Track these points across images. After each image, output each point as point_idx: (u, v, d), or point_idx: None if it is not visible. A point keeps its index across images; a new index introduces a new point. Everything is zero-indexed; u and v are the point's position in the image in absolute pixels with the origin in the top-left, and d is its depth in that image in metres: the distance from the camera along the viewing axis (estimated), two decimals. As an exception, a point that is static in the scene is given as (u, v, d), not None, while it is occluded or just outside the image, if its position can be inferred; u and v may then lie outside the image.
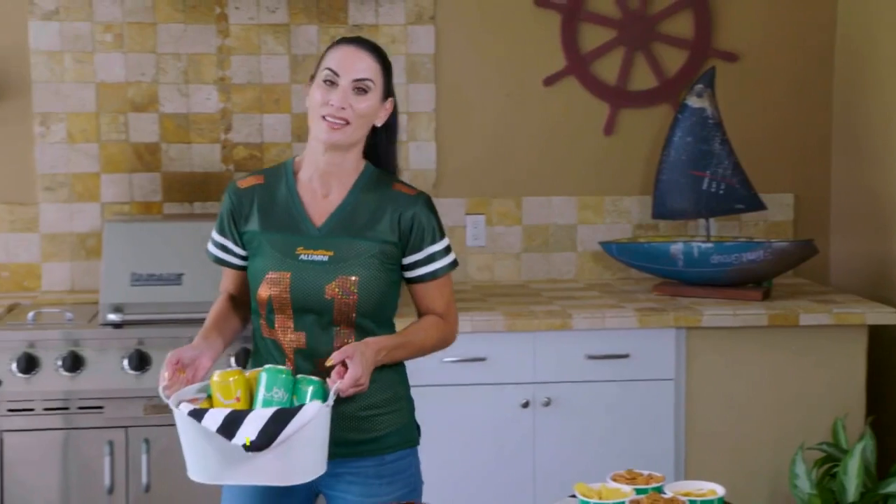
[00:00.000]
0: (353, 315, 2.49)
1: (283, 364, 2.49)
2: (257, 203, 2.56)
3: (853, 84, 4.38)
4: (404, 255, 2.55)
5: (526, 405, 3.71)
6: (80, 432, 3.55)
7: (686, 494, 2.09)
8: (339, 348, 2.44)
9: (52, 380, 3.54)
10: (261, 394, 2.20)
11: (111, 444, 3.54)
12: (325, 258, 2.49)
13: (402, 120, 4.25)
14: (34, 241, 4.20)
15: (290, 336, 2.51)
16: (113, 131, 4.21)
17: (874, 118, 4.23)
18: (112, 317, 3.66)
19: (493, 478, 3.71)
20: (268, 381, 2.21)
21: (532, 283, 4.37)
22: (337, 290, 2.48)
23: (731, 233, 4.43)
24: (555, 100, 4.39)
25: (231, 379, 2.21)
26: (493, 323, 3.69)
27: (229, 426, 2.10)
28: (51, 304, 3.98)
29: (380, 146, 2.62)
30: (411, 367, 3.63)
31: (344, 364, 2.33)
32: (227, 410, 2.11)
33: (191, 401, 2.19)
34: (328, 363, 2.33)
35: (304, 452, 2.15)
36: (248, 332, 2.68)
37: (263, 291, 2.50)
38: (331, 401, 2.22)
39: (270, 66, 4.26)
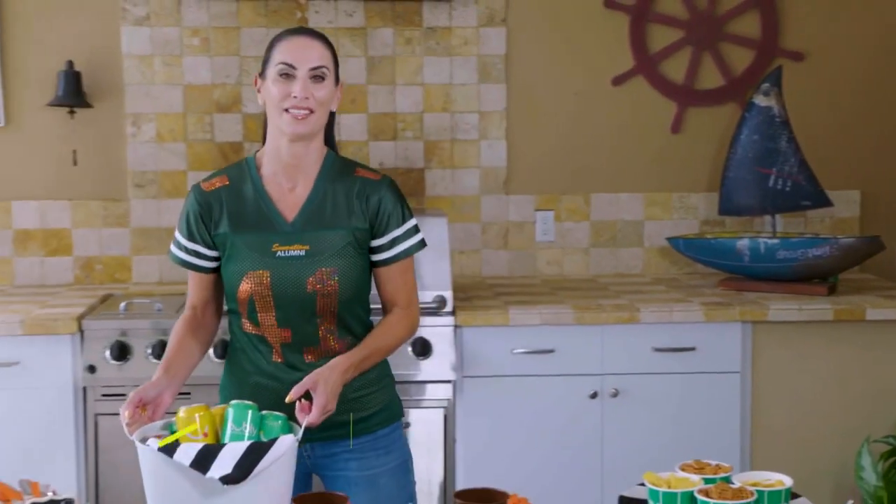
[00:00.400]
0: (335, 303, 2.45)
1: (272, 358, 2.48)
2: (225, 204, 2.48)
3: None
4: (372, 239, 2.50)
5: (594, 396, 3.66)
6: (169, 416, 3.54)
7: (754, 485, 2.05)
8: (323, 337, 2.45)
9: (143, 366, 3.54)
10: (229, 428, 2.15)
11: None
12: (303, 252, 2.44)
13: (472, 118, 4.29)
14: (125, 235, 4.24)
15: (275, 331, 2.47)
16: (199, 131, 4.22)
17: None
18: (198, 307, 3.65)
19: (562, 466, 3.67)
20: (235, 417, 2.16)
21: (600, 278, 4.32)
22: (317, 282, 2.43)
23: (796, 229, 4.35)
24: (623, 99, 4.34)
25: (197, 415, 2.15)
26: (562, 316, 3.65)
27: (203, 460, 2.04)
28: (141, 295, 4.03)
29: (327, 129, 2.55)
30: (481, 356, 3.61)
31: (307, 395, 2.27)
32: (199, 445, 2.07)
33: (156, 437, 2.14)
34: (288, 400, 2.26)
35: (277, 482, 2.11)
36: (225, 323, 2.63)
37: (243, 292, 2.44)
38: (300, 435, 2.17)
39: (347, 67, 4.21)
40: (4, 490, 2.04)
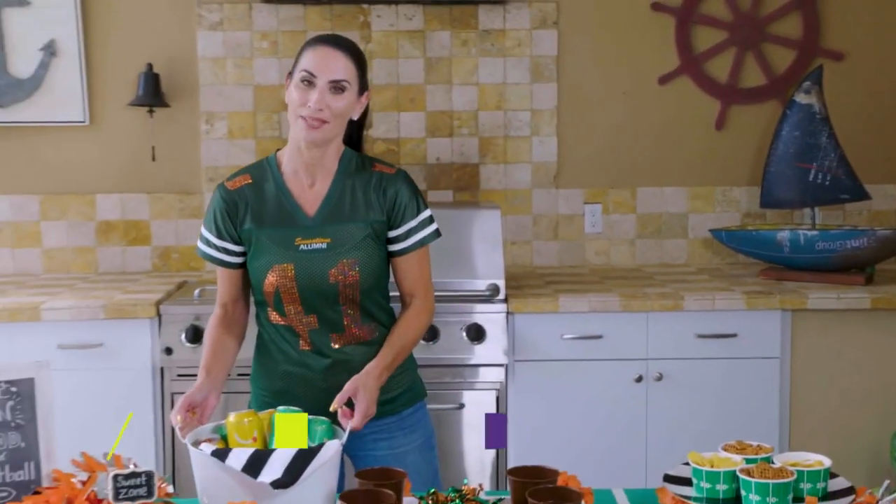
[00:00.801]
0: (357, 292, 2.45)
1: (299, 346, 2.48)
2: (249, 201, 2.47)
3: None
4: (389, 230, 2.49)
5: (639, 380, 3.65)
6: (241, 396, 3.57)
7: (794, 465, 2.02)
8: (347, 324, 2.45)
9: (213, 350, 3.57)
10: (276, 434, 2.14)
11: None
12: (324, 245, 2.43)
13: (525, 116, 4.27)
14: (199, 226, 4.23)
15: (301, 320, 2.47)
16: (267, 128, 4.25)
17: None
18: (267, 293, 3.68)
19: (608, 446, 3.66)
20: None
21: (645, 268, 4.31)
22: (339, 273, 2.43)
23: (835, 221, 4.31)
24: (668, 97, 4.32)
25: (246, 420, 2.16)
26: (609, 303, 3.63)
27: (254, 465, 2.04)
28: (213, 282, 4.00)
29: (353, 135, 2.54)
30: (532, 342, 3.61)
31: (348, 403, 2.28)
32: (251, 450, 2.08)
33: (207, 440, 2.15)
34: (332, 408, 2.25)
35: (324, 484, 2.11)
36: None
37: (269, 285, 2.44)
38: (344, 439, 2.17)
39: (407, 68, 4.25)
40: (90, 462, 2.07)
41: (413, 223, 2.49)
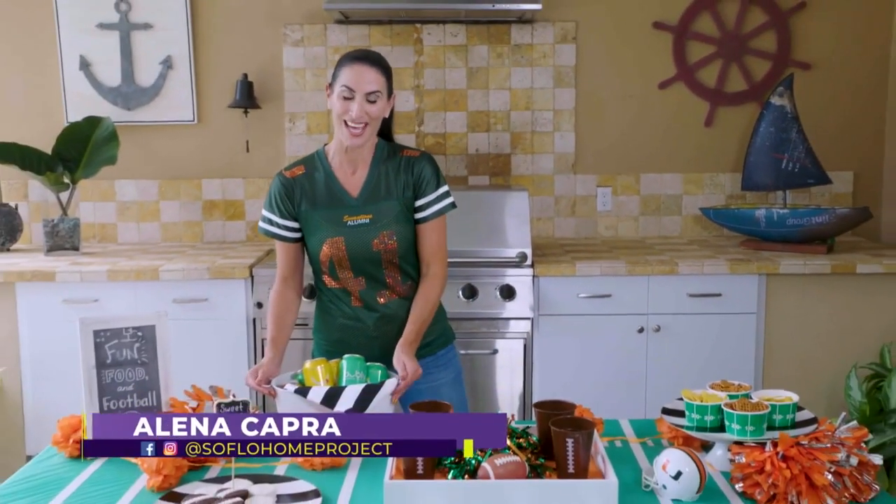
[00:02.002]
0: (395, 257, 2.44)
1: (352, 303, 2.48)
2: (304, 188, 2.46)
3: (905, 85, 4.15)
4: (415, 201, 2.47)
5: (641, 331, 3.63)
6: (293, 342, 3.59)
7: (768, 400, 2.01)
8: (390, 283, 2.45)
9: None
10: (345, 375, 2.18)
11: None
12: (367, 221, 2.42)
13: (548, 115, 4.25)
14: (284, 204, 4.28)
15: (352, 282, 2.46)
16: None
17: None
18: (337, 260, 3.69)
19: (616, 384, 3.65)
20: (349, 367, 2.20)
21: (647, 239, 4.27)
22: (380, 243, 2.42)
23: (802, 201, 4.26)
24: (667, 99, 4.27)
25: (319, 367, 2.19)
26: (617, 268, 3.61)
27: (331, 399, 2.09)
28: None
29: (384, 127, 2.51)
30: (553, 299, 3.60)
31: (390, 366, 2.32)
32: (326, 388, 2.11)
33: (290, 383, 2.18)
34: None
35: (384, 412, 2.15)
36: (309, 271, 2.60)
37: (325, 255, 2.44)
38: (399, 381, 2.22)
39: (452, 76, 4.23)
40: (199, 392, 2.10)
41: (432, 196, 2.47)
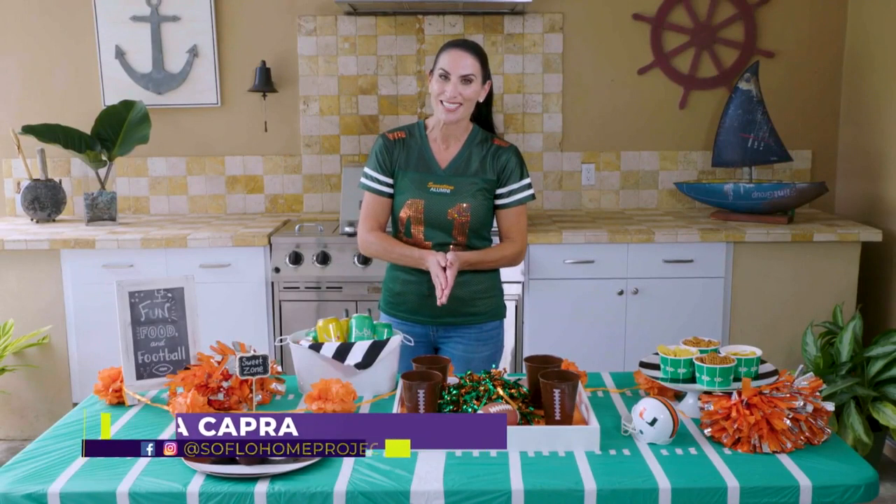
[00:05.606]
0: (466, 229, 2.42)
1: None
2: (402, 150, 2.46)
3: (856, 73, 4.10)
4: (498, 188, 2.45)
5: (621, 293, 3.63)
6: (328, 303, 3.61)
7: (735, 354, 2.02)
8: (452, 249, 2.42)
9: (310, 269, 3.60)
10: (354, 332, 2.16)
11: (346, 311, 3.55)
12: (448, 191, 2.41)
13: (538, 98, 4.20)
14: (298, 180, 4.28)
15: (422, 244, 2.44)
16: (348, 108, 4.22)
17: (869, 98, 3.97)
18: (347, 229, 3.69)
19: (598, 341, 3.66)
20: (358, 324, 2.17)
21: (627, 211, 4.26)
22: (455, 212, 2.41)
23: (766, 177, 4.24)
24: (645, 84, 4.24)
25: (331, 325, 2.17)
26: (600, 237, 3.61)
27: (341, 353, 2.08)
28: (309, 220, 4.07)
29: (482, 114, 2.50)
30: (542, 265, 3.60)
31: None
32: (337, 343, 2.10)
33: (305, 340, 2.16)
34: (440, 303, 2.27)
35: (390, 366, 2.14)
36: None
37: (404, 214, 2.43)
38: (402, 338, 2.21)
39: (452, 63, 4.19)
40: (223, 347, 2.09)
41: (515, 186, 2.46)
